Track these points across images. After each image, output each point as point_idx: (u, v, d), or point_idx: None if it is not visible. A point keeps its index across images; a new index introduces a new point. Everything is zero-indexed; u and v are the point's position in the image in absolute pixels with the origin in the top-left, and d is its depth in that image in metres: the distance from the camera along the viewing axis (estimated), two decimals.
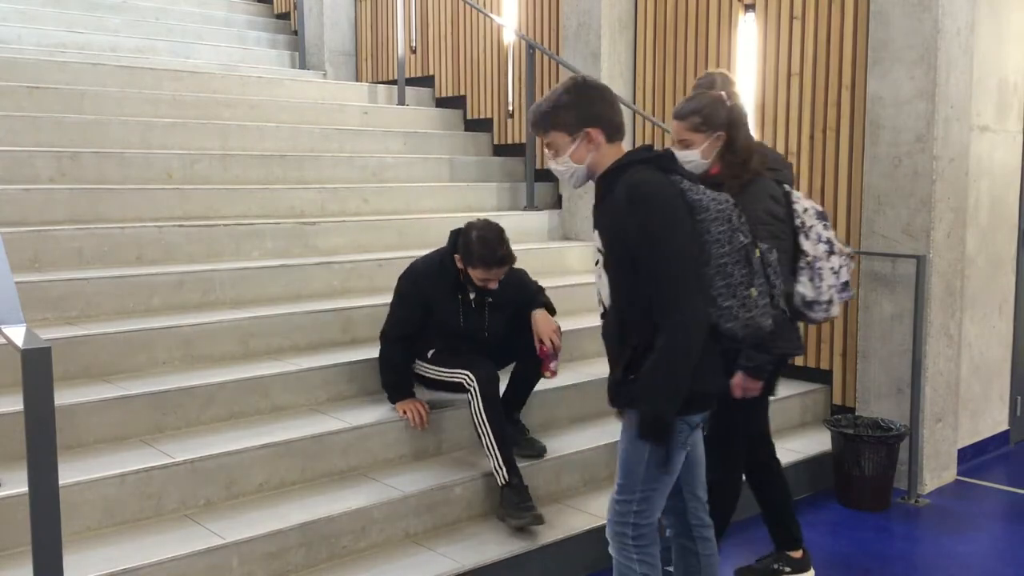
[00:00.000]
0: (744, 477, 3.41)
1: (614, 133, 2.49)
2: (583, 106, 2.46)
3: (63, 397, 3.11)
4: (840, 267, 3.19)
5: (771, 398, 3.35)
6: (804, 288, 3.16)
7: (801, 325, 3.36)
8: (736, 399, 3.07)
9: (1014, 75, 4.98)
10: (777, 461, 3.48)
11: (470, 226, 3.59)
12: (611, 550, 2.60)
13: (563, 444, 3.93)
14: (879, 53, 4.46)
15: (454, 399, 3.73)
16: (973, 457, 4.95)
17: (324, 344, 4.13)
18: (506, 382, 3.77)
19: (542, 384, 3.87)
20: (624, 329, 2.48)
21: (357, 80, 7.67)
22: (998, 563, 3.78)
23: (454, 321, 3.68)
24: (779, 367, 3.24)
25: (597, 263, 2.55)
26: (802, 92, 4.95)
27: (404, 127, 6.36)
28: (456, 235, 3.64)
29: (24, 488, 2.30)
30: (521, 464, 3.55)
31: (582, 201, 5.77)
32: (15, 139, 4.63)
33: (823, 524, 4.10)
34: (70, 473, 2.94)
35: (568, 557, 3.45)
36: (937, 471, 4.57)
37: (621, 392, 2.51)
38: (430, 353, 3.73)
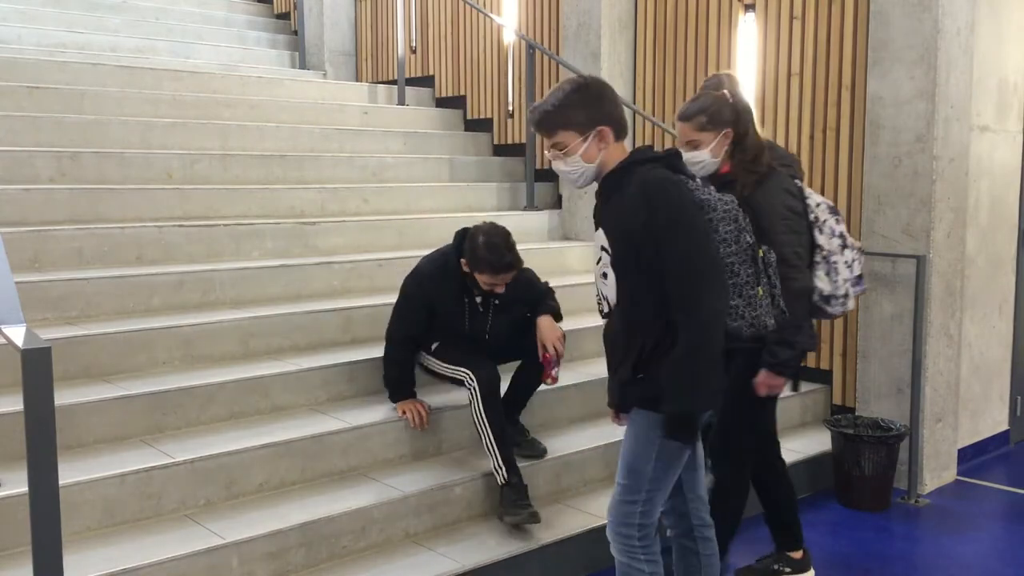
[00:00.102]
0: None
1: (621, 131, 2.48)
2: (593, 104, 2.44)
3: (63, 397, 3.11)
4: (853, 261, 3.19)
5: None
6: (821, 283, 3.15)
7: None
8: (746, 397, 3.07)
9: (1014, 75, 4.98)
10: (782, 461, 3.47)
11: (476, 230, 3.55)
12: (614, 551, 2.59)
13: (563, 444, 3.94)
14: (879, 53, 4.46)
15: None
16: (973, 457, 4.95)
17: (324, 344, 4.13)
18: (507, 381, 3.76)
19: (543, 385, 3.87)
20: (631, 329, 2.46)
21: (357, 80, 7.67)
22: (998, 563, 3.78)
23: (458, 324, 3.67)
24: (799, 363, 3.24)
25: (599, 262, 2.53)
26: (802, 92, 4.95)
27: (404, 127, 6.36)
28: (461, 238, 3.60)
29: (24, 488, 2.30)
30: (521, 464, 3.55)
31: (582, 201, 5.77)
32: (15, 139, 4.63)
33: (823, 524, 4.10)
34: (70, 473, 2.93)
35: (568, 557, 3.45)
36: (937, 471, 4.57)
37: (629, 392, 2.49)
38: (434, 346, 3.73)
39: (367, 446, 3.58)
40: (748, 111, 3.13)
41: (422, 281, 3.67)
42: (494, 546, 3.34)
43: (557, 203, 6.14)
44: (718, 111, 3.05)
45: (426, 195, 5.62)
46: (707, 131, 3.05)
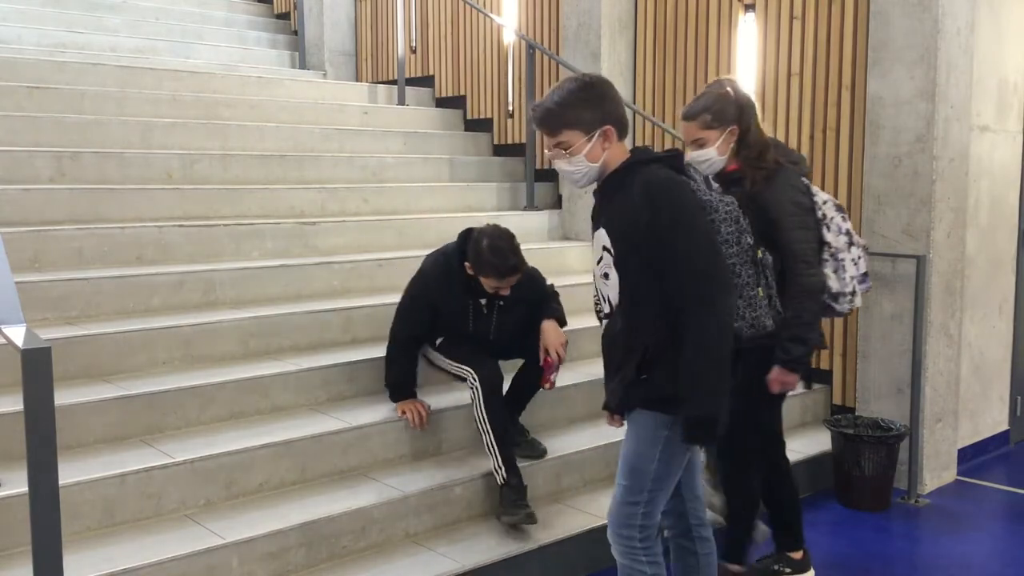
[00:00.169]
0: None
1: (623, 130, 2.46)
2: (599, 103, 2.41)
3: (63, 397, 3.11)
4: (859, 258, 3.19)
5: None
6: (830, 281, 3.15)
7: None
8: (752, 396, 3.07)
9: (1014, 75, 4.98)
10: (787, 461, 3.46)
11: (480, 233, 3.50)
12: (615, 554, 2.58)
13: (563, 444, 3.94)
14: (879, 53, 4.46)
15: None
16: (973, 457, 4.95)
17: (324, 344, 4.13)
18: (508, 380, 3.76)
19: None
20: (633, 330, 2.44)
21: (357, 80, 7.67)
22: (998, 563, 3.78)
23: (462, 325, 3.67)
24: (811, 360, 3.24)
25: (599, 262, 2.51)
26: (802, 92, 4.95)
27: (404, 127, 6.36)
28: (465, 239, 3.57)
29: (24, 488, 2.30)
30: (521, 464, 3.55)
31: (582, 201, 5.77)
32: (15, 139, 4.63)
33: (823, 524, 4.10)
34: (70, 473, 2.93)
35: (568, 557, 3.45)
36: (937, 471, 4.57)
37: (632, 393, 2.48)
38: (438, 340, 3.74)
39: (367, 446, 3.58)
40: (752, 107, 3.13)
41: (427, 284, 3.66)
42: (494, 546, 3.34)
43: (557, 203, 6.14)
44: (722, 108, 3.05)
45: (426, 195, 5.62)
46: (712, 129, 3.05)
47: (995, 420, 5.14)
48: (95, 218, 4.34)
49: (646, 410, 2.47)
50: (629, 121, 2.82)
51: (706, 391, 2.35)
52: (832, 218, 3.16)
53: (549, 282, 3.89)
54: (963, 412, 4.81)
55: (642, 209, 2.35)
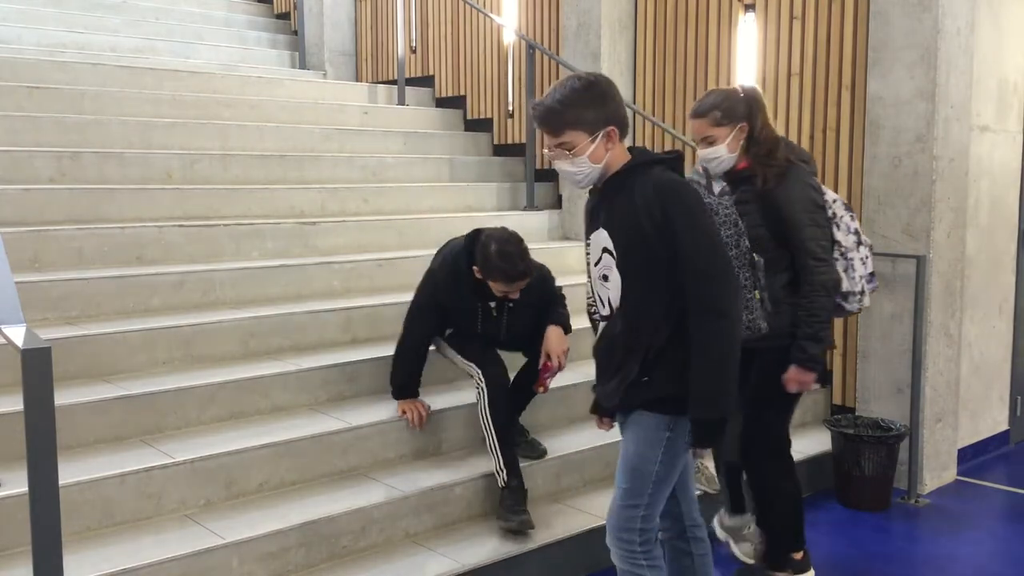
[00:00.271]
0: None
1: (624, 131, 2.43)
2: (601, 103, 2.37)
3: (63, 397, 3.11)
4: (867, 257, 3.19)
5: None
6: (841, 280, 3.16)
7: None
8: (766, 396, 3.07)
9: (1014, 75, 4.98)
10: (792, 460, 3.47)
11: (488, 238, 3.46)
12: (615, 559, 2.55)
13: (563, 444, 3.93)
14: (879, 53, 4.46)
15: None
16: (973, 457, 4.95)
17: (324, 344, 4.13)
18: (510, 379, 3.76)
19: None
20: (635, 331, 2.42)
21: (357, 80, 7.67)
22: (998, 563, 3.77)
23: (471, 326, 3.66)
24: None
25: (598, 263, 2.48)
26: (802, 92, 4.95)
27: (404, 127, 6.36)
28: (473, 242, 3.53)
29: (24, 488, 2.30)
30: (521, 464, 3.55)
31: (582, 201, 5.70)
32: (15, 139, 4.63)
33: (823, 524, 4.10)
34: (70, 473, 2.93)
35: (568, 557, 3.45)
36: (937, 471, 4.57)
37: (633, 394, 2.46)
38: (448, 331, 3.75)
39: (367, 446, 3.58)
40: (760, 102, 3.13)
41: (436, 285, 3.64)
42: (494, 546, 3.34)
43: (557, 203, 6.14)
44: (732, 106, 3.05)
45: (426, 195, 5.62)
46: (722, 126, 3.04)
47: (995, 420, 5.14)
48: (95, 218, 4.34)
49: (647, 411, 2.46)
50: (629, 121, 2.81)
51: (715, 393, 2.34)
52: (841, 217, 3.16)
53: (557, 283, 3.88)
54: (963, 412, 4.80)
55: (651, 211, 2.32)
